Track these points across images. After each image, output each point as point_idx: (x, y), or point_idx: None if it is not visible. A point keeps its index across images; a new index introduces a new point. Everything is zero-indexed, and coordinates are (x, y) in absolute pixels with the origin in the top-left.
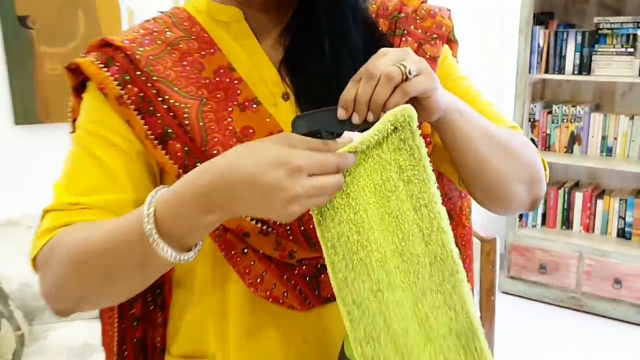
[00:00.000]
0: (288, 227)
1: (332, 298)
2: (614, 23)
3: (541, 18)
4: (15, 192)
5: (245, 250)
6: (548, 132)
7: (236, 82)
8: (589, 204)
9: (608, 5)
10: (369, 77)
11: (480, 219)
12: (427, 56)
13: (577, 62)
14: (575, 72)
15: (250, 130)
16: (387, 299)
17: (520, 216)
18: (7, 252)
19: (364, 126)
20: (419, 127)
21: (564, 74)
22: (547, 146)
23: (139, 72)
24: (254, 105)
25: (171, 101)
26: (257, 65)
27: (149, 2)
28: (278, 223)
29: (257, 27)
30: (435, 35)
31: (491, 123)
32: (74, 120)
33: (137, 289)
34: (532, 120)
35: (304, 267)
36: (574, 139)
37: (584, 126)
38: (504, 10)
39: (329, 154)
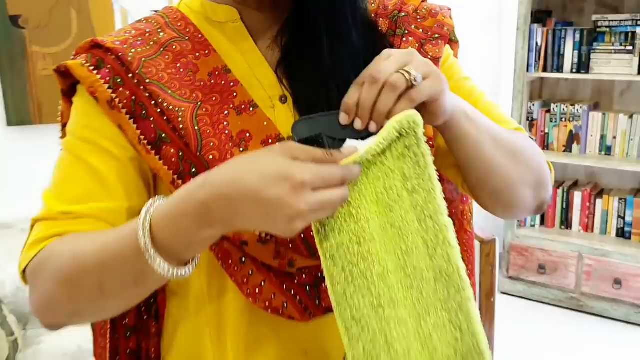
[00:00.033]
0: None
1: None
2: (612, 21)
3: (539, 16)
4: (7, 195)
5: (243, 259)
6: (546, 131)
7: (232, 84)
8: (588, 204)
9: (606, 3)
10: (372, 82)
11: (477, 218)
12: (429, 57)
13: (576, 60)
14: (574, 70)
15: (247, 135)
16: (388, 315)
17: None
18: (0, 256)
19: (367, 132)
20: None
21: (562, 72)
22: (545, 145)
23: (131, 75)
24: (251, 109)
25: (165, 105)
26: (253, 67)
27: (142, 2)
28: None
29: (253, 27)
30: (437, 35)
31: (497, 125)
32: (64, 125)
33: (131, 303)
34: (530, 119)
35: (304, 276)
36: (572, 138)
37: (583, 125)
38: (502, 9)
39: (333, 166)
